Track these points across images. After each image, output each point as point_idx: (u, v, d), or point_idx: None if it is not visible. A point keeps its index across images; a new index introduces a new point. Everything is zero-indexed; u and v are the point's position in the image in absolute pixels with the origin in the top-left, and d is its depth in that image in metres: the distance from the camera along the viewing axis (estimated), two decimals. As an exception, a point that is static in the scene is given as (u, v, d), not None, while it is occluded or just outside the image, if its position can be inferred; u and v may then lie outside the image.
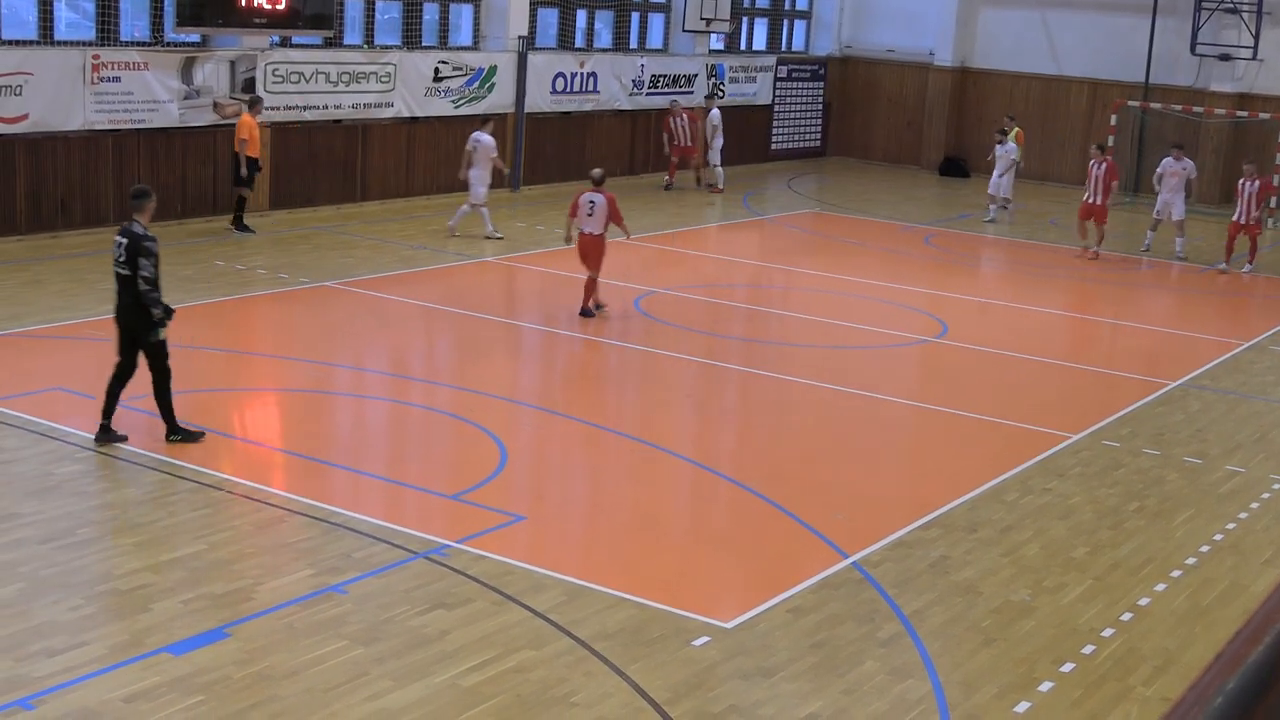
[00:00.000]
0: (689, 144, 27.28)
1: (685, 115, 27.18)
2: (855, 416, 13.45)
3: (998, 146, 25.96)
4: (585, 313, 16.24)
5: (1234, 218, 22.11)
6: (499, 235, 20.56)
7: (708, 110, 27.80)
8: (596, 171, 16.69)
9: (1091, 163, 23.09)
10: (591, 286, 16.26)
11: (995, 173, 25.76)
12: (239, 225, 19.86)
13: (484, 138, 20.44)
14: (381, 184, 23.04)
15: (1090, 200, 22.69)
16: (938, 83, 32.50)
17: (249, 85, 20.63)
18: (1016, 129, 26.73)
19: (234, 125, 20.46)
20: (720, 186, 27.22)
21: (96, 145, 18.93)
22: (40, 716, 6.94)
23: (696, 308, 17.61)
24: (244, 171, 19.58)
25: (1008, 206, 26.13)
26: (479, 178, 20.33)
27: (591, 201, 16.11)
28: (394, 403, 13.08)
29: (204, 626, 8.02)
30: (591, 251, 16.19)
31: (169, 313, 10.90)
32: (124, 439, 10.96)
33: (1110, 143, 28.94)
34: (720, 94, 29.57)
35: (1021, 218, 26.23)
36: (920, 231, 24.29)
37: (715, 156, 27.38)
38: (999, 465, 12.07)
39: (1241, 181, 22.14)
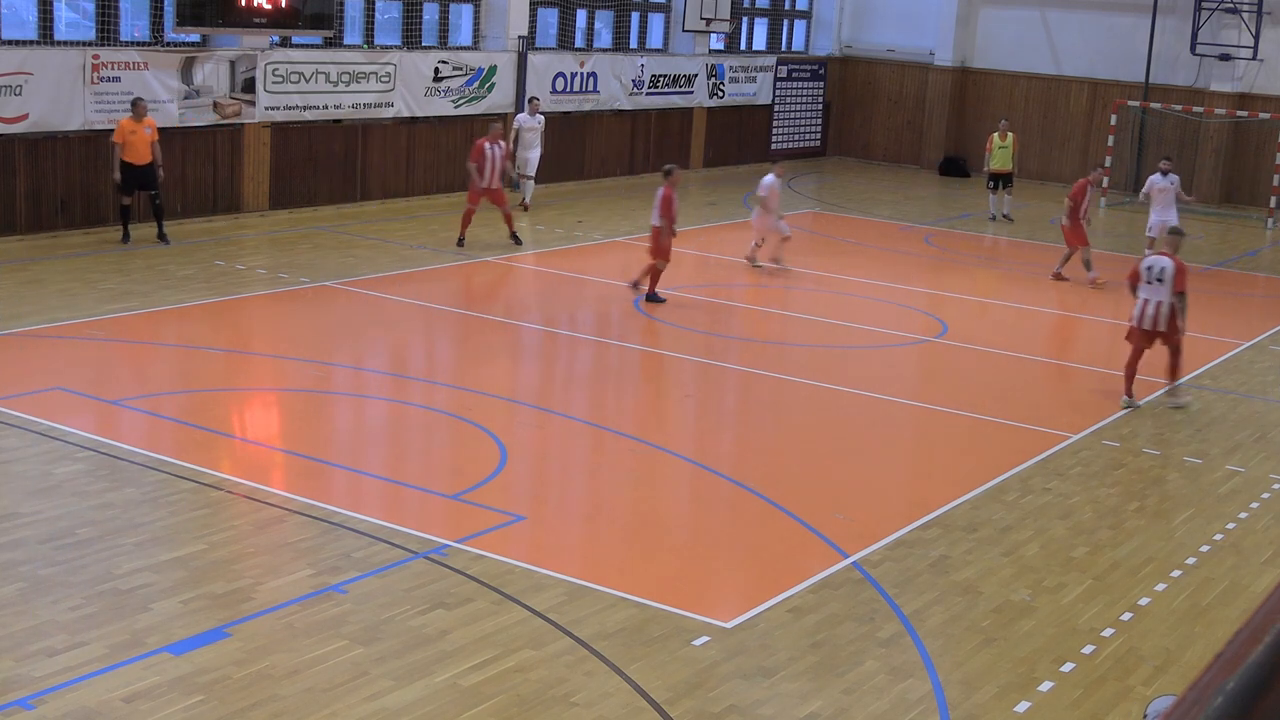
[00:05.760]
0: (496, 184, 20.00)
1: (502, 144, 20.22)
2: (855, 416, 13.44)
3: (1156, 177, 21.44)
4: (654, 298, 17.32)
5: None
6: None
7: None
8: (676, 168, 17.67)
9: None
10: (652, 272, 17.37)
11: (1153, 212, 21.11)
12: (161, 236, 18.72)
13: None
14: (381, 184, 23.04)
15: (1150, 331, 14.08)
16: (937, 82, 32.51)
17: (249, 85, 20.63)
18: (1011, 134, 25.75)
19: (234, 125, 20.46)
20: (528, 202, 23.31)
21: (96, 145, 18.91)
22: (40, 716, 6.94)
23: (696, 308, 17.61)
24: (116, 176, 18.24)
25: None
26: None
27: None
28: (394, 403, 13.07)
29: (204, 626, 8.02)
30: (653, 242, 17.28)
31: None
32: None
33: (1110, 142, 29.06)
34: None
35: (1021, 218, 26.21)
36: (920, 231, 24.29)
37: (531, 168, 23.45)
38: (999, 465, 12.07)
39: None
